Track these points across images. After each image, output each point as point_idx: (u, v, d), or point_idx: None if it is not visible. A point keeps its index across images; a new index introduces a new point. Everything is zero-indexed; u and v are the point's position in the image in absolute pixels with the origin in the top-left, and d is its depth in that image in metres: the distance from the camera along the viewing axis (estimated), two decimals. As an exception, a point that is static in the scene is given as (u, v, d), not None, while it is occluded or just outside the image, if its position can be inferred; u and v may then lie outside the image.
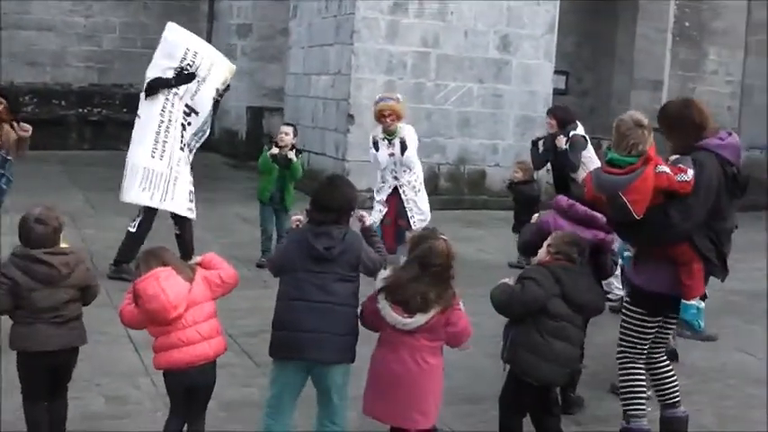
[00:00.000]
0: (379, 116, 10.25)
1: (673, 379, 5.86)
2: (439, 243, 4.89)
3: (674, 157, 5.48)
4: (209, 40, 14.79)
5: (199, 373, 4.94)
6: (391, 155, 10.21)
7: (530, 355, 5.22)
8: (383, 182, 10.31)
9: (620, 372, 5.77)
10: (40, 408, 5.18)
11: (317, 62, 16.65)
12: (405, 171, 10.30)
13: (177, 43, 9.30)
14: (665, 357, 5.90)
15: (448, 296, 4.86)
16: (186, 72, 9.18)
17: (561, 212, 5.98)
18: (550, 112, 11.12)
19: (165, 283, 4.80)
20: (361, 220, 5.48)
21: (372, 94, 12.46)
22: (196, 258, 5.23)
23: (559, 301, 5.24)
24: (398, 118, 10.28)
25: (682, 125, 5.54)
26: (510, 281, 5.38)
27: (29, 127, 8.16)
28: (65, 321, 5.05)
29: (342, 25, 15.44)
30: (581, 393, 6.51)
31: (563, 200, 6.11)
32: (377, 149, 10.08)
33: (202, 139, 9.58)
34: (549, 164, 10.73)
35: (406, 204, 10.25)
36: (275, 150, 10.24)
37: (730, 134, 5.60)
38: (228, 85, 9.73)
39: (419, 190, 10.47)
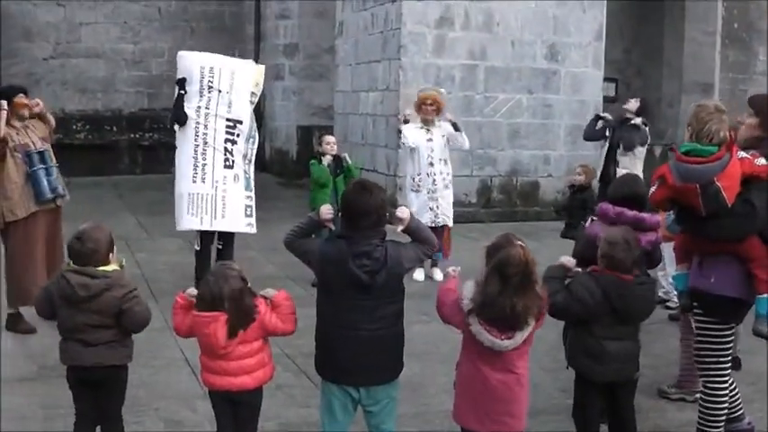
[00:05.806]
0: (421, 104, 10.44)
1: (736, 392, 5.72)
2: (515, 250, 4.55)
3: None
4: (256, 61, 14.76)
5: (241, 394, 4.87)
6: (429, 140, 10.33)
7: (585, 357, 5.23)
8: (418, 172, 10.44)
9: (705, 391, 5.56)
10: None
11: (364, 79, 16.65)
12: (440, 161, 10.40)
13: (191, 67, 9.32)
14: None
15: (537, 304, 4.61)
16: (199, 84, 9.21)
17: (609, 222, 5.79)
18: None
19: (222, 330, 4.69)
20: (400, 221, 4.93)
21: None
22: (270, 292, 4.97)
23: (608, 317, 5.16)
24: (438, 110, 10.42)
25: None
26: (565, 260, 5.39)
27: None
28: (93, 345, 4.93)
29: (388, 41, 15.43)
30: (638, 402, 6.41)
31: (609, 209, 5.91)
32: (413, 135, 10.40)
33: (256, 144, 9.63)
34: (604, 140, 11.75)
35: (432, 194, 10.37)
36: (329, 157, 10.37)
37: None
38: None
39: (449, 187, 10.56)
